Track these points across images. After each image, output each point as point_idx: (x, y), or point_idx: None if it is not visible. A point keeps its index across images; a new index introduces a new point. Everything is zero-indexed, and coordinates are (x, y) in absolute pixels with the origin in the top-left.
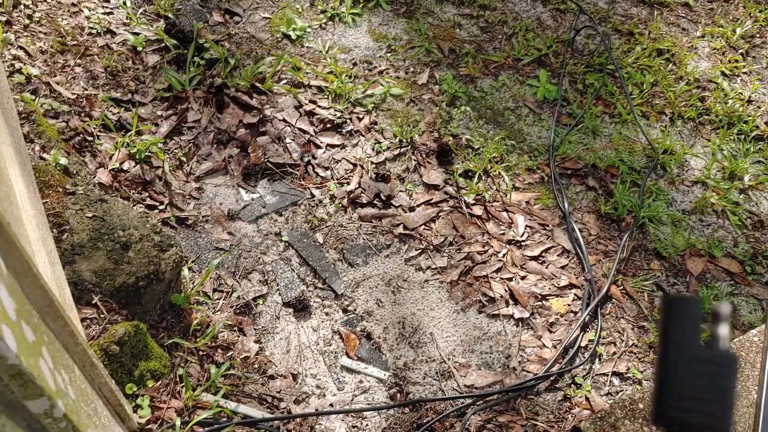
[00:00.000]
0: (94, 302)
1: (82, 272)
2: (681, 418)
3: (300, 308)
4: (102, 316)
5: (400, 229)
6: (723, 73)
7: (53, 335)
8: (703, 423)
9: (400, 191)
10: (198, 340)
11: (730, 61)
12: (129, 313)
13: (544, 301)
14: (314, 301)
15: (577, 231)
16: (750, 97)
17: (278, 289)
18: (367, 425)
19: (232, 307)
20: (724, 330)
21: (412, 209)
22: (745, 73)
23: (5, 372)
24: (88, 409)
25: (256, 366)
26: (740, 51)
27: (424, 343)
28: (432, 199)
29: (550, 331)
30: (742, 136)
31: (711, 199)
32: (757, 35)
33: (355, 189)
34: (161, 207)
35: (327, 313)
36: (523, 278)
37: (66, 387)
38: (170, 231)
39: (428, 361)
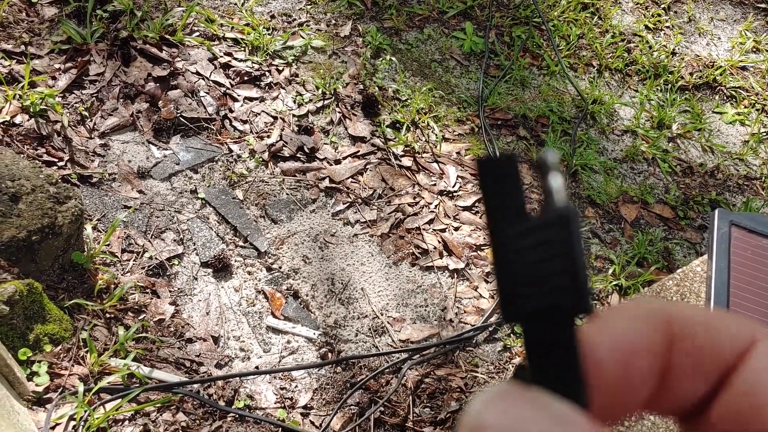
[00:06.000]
0: None
1: None
2: (530, 306)
3: (220, 268)
4: None
5: (326, 183)
6: (647, 26)
7: None
8: (556, 302)
9: (325, 144)
10: (104, 302)
11: (653, 15)
12: (21, 271)
13: (479, 251)
14: (235, 260)
15: None
16: (674, 49)
17: (195, 249)
18: (296, 387)
19: (143, 268)
20: (556, 181)
21: (338, 162)
22: (668, 27)
23: None
24: None
25: (172, 329)
26: (662, 5)
27: (356, 299)
28: (359, 151)
29: (487, 282)
30: (669, 86)
31: (641, 147)
32: None
33: (277, 142)
34: (61, 164)
35: (250, 272)
36: (456, 229)
37: None
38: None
39: (360, 318)
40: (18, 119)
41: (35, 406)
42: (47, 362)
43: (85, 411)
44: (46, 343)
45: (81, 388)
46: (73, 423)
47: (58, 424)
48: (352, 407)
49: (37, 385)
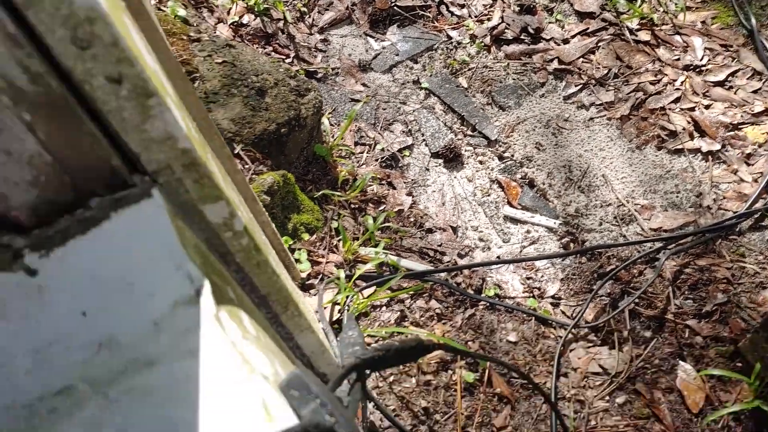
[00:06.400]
0: (236, 152)
1: (219, 121)
2: None
3: (450, 158)
4: (246, 166)
5: (555, 64)
6: None
7: (214, 153)
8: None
9: (550, 23)
10: (347, 192)
11: None
12: (273, 163)
13: (736, 131)
14: (465, 150)
15: None
16: None
17: (424, 140)
18: (542, 276)
19: (377, 160)
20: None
21: (565, 41)
22: None
23: (177, 159)
24: (262, 238)
25: (411, 220)
26: None
27: (597, 187)
28: (588, 28)
29: (748, 164)
30: None
31: None
32: None
33: (498, 25)
34: (288, 60)
35: (481, 162)
36: (707, 107)
37: (240, 204)
38: None
39: (603, 206)
40: (245, 19)
41: (300, 290)
42: (306, 250)
43: (348, 297)
44: (303, 232)
45: (342, 274)
46: (338, 307)
47: (324, 308)
48: (603, 298)
49: (300, 271)
